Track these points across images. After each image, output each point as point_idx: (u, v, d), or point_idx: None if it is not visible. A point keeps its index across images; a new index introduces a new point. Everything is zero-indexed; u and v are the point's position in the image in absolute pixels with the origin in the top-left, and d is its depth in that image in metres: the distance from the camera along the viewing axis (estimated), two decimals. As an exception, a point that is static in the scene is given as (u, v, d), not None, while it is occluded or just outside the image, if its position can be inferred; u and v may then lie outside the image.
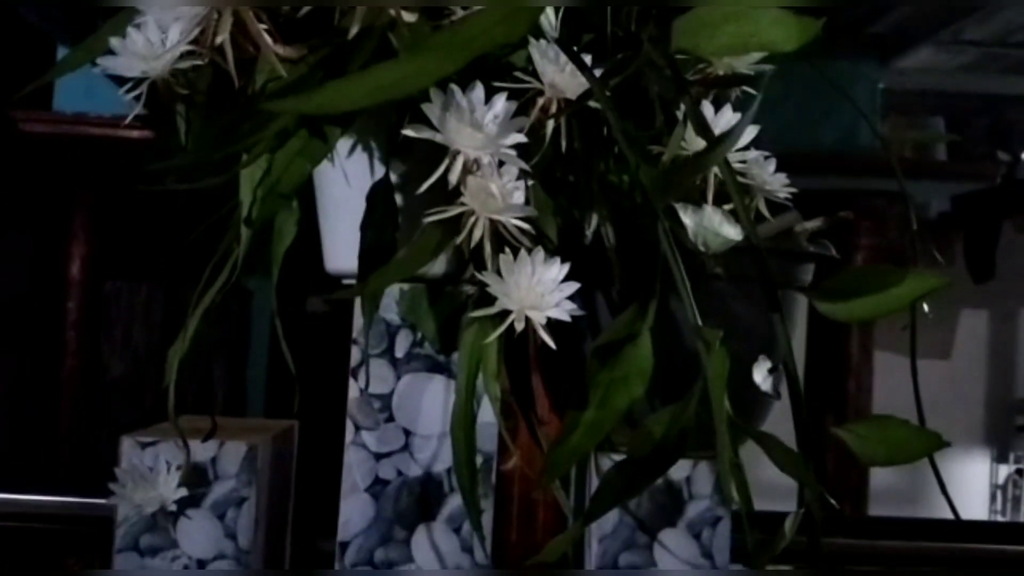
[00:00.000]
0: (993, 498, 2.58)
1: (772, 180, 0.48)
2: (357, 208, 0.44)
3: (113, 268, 1.89)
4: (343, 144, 0.47)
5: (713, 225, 0.34)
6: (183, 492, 0.40)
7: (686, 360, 0.48)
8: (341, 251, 0.50)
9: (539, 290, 0.34)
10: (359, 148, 0.47)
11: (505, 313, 0.35)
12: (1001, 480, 2.55)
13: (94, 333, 1.88)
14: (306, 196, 0.54)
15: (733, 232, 0.34)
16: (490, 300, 0.46)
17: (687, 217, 0.33)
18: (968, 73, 1.97)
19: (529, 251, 0.34)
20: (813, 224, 0.50)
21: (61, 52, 1.78)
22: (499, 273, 0.34)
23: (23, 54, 1.75)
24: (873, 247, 1.90)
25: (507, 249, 0.34)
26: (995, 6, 1.69)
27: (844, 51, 1.79)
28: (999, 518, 2.55)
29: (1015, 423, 2.59)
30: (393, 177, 0.44)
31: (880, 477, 2.13)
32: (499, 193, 0.33)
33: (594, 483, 0.51)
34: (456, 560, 0.48)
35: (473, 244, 0.34)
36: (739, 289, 0.48)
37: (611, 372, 0.32)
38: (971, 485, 2.53)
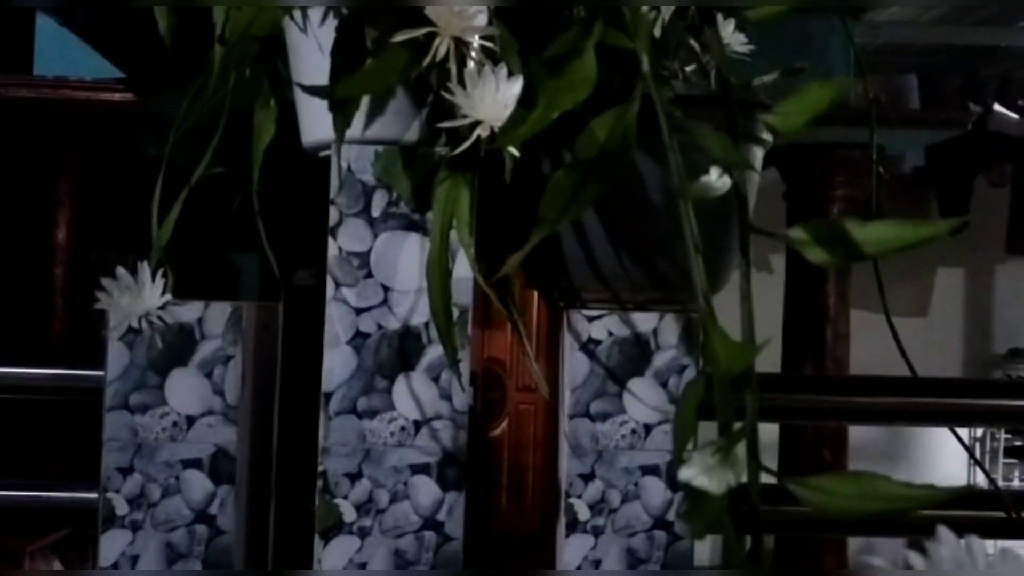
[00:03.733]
0: (971, 451, 2.63)
1: (732, 38, 0.50)
2: (332, 79, 0.46)
3: (100, 236, 1.90)
4: (316, 13, 0.49)
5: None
6: (168, 298, 0.42)
7: (652, 213, 0.51)
8: (317, 122, 0.51)
9: (503, 103, 0.36)
10: (332, 16, 0.49)
11: (473, 126, 0.37)
12: (979, 434, 2.59)
13: (82, 299, 1.88)
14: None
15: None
16: (462, 160, 0.48)
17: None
18: (941, 26, 2.00)
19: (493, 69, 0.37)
20: (769, 77, 0.52)
21: (40, 19, 1.78)
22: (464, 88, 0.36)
23: (1, 22, 1.75)
24: (848, 198, 1.93)
25: (471, 64, 0.36)
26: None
27: (816, 7, 1.82)
28: (977, 471, 2.60)
29: (992, 378, 2.64)
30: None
31: (859, 433, 2.17)
32: (463, 11, 0.35)
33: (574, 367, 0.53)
34: (436, 408, 0.50)
35: (438, 60, 0.36)
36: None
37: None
38: (949, 439, 2.57)
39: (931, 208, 2.32)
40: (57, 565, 1.89)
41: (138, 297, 0.41)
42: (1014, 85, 2.13)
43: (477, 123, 0.37)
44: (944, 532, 0.20)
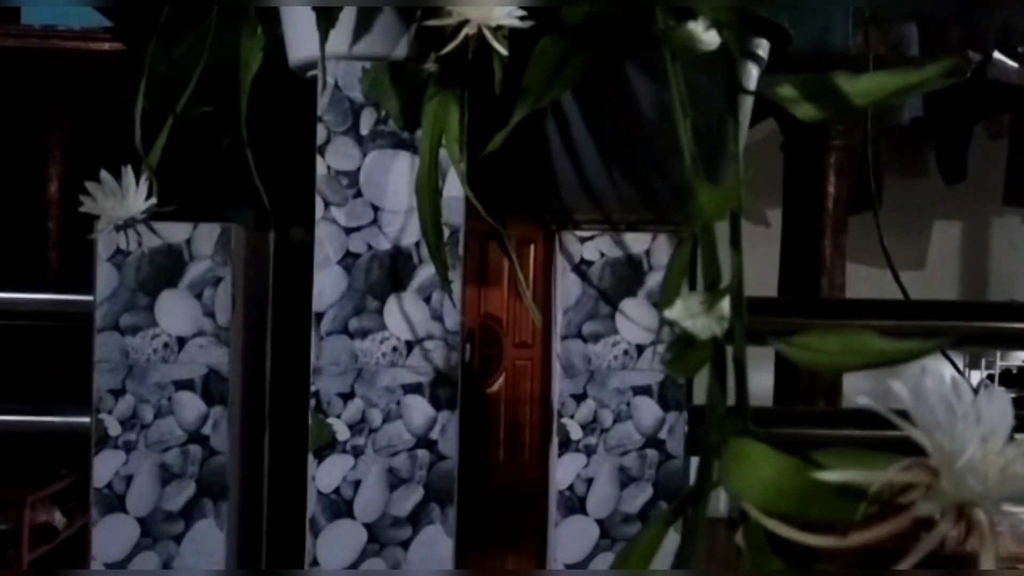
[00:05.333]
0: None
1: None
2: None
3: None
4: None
5: None
6: (152, 202, 0.42)
7: (641, 130, 0.50)
8: (302, 40, 0.51)
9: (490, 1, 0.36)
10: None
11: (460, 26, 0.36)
12: (974, 385, 2.61)
13: (76, 254, 1.88)
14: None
15: None
16: (452, 75, 0.47)
17: None
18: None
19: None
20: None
21: (26, -31, 1.75)
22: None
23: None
24: (846, 148, 1.92)
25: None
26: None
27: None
28: (973, 423, 2.61)
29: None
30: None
31: (851, 384, 2.17)
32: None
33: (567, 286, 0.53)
34: (428, 328, 0.50)
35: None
36: (697, 61, 0.50)
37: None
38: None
39: (929, 160, 2.31)
40: (58, 515, 1.91)
41: (123, 201, 0.41)
42: (1015, 33, 2.10)
43: (464, 22, 0.36)
44: (930, 365, 0.20)
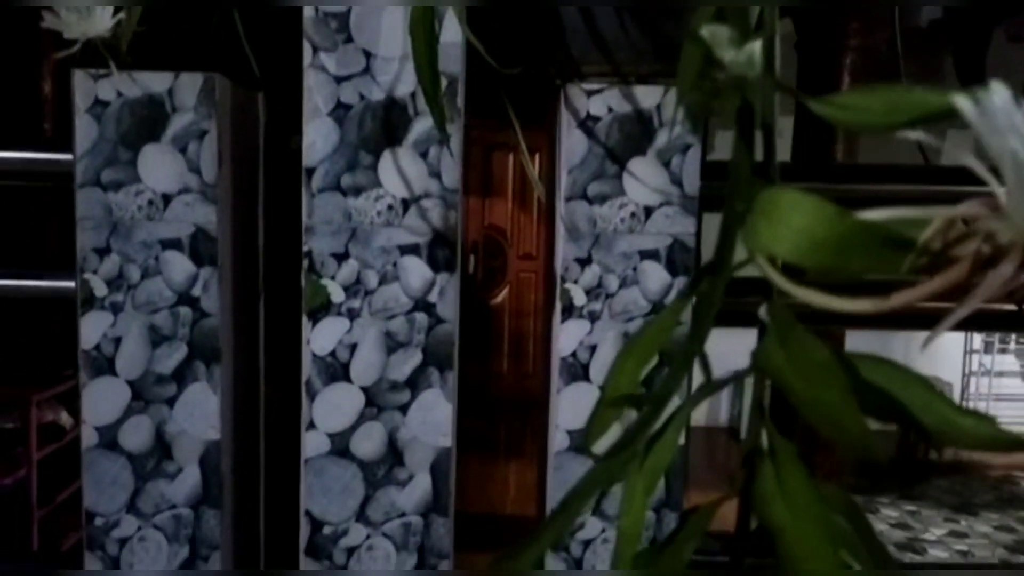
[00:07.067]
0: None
1: None
2: None
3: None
4: None
5: None
6: (120, 17, 0.39)
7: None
8: None
9: None
10: None
11: None
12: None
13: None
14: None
15: None
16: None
17: None
18: None
19: None
20: None
21: None
22: None
23: None
24: (862, 49, 1.86)
25: None
26: None
27: None
28: (975, 349, 2.62)
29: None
30: None
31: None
32: None
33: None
34: (424, 185, 0.47)
35: None
36: None
37: None
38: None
39: (946, 64, 2.23)
40: (64, 415, 1.93)
41: (88, 17, 0.38)
42: (1043, -71, 2.00)
43: None
44: (999, 85, 0.17)
